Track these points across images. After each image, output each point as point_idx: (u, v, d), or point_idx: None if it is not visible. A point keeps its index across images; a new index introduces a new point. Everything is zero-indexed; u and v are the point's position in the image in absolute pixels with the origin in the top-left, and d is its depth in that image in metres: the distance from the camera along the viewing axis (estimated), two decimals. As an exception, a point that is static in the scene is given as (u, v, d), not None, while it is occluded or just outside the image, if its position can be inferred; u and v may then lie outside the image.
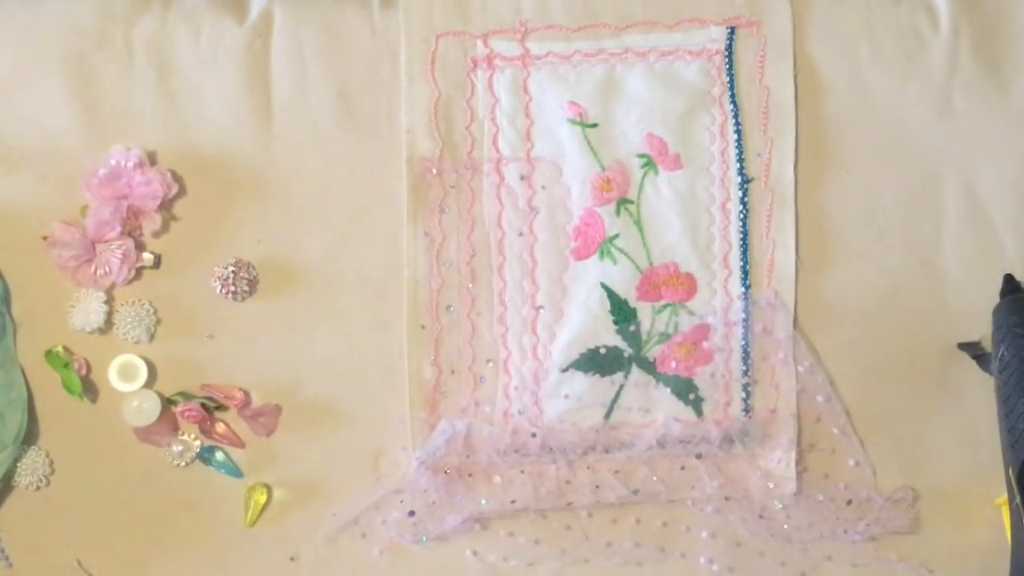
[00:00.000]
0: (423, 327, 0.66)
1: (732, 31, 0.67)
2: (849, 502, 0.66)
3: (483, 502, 0.65)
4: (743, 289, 0.66)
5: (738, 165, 0.67)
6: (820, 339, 0.67)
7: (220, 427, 0.66)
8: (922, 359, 0.67)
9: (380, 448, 0.66)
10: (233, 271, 0.66)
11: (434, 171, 0.66)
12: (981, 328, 0.66)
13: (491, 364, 0.66)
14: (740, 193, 0.67)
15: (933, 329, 0.67)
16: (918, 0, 0.67)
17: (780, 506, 0.66)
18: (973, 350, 0.66)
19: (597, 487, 0.65)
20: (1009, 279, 0.66)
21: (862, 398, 0.67)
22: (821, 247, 0.67)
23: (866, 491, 0.66)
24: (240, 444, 0.66)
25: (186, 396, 0.66)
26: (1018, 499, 0.62)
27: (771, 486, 0.66)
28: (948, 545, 0.66)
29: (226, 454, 0.66)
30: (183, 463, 0.66)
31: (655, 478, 0.66)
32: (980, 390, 0.66)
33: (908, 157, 0.67)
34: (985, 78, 0.67)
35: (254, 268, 0.66)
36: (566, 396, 0.66)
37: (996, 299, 0.66)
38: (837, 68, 0.67)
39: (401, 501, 0.65)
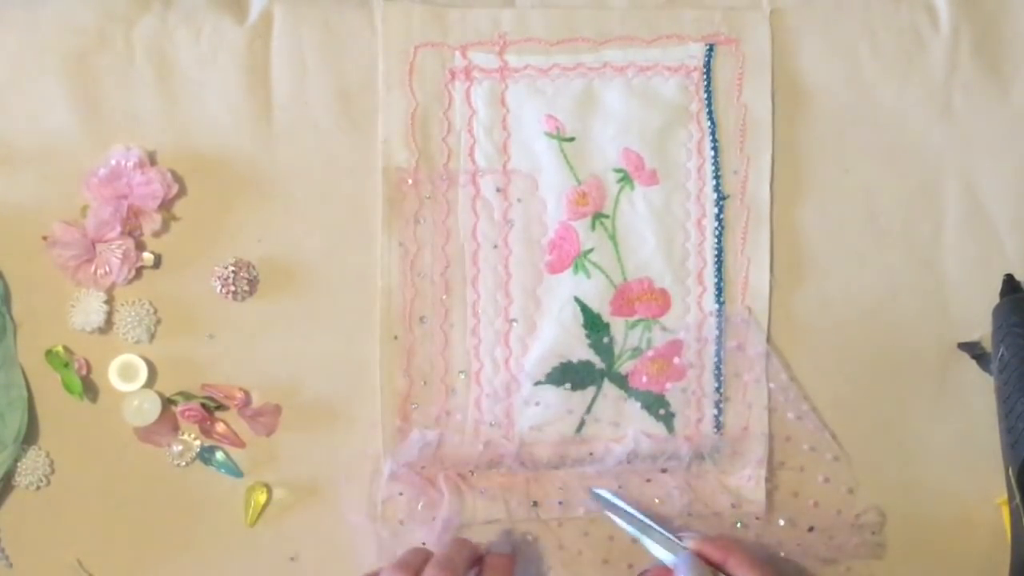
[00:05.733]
0: (396, 337, 0.66)
1: (711, 48, 0.67)
2: (811, 529, 0.66)
3: (454, 514, 0.65)
4: (717, 306, 0.66)
5: (714, 182, 0.67)
6: (817, 342, 0.67)
7: (220, 427, 0.66)
8: (922, 359, 0.67)
9: (380, 448, 0.66)
10: (233, 271, 0.66)
11: (410, 181, 0.66)
12: (981, 328, 0.66)
13: (463, 376, 0.66)
14: (716, 210, 0.67)
15: (933, 329, 0.67)
16: (918, 0, 0.67)
17: (739, 525, 0.66)
18: (973, 350, 0.66)
19: (564, 501, 0.65)
20: (1009, 279, 0.66)
21: (862, 398, 0.67)
22: (821, 245, 0.67)
23: (836, 509, 0.66)
24: (240, 444, 0.66)
25: (186, 396, 0.66)
26: (1018, 499, 0.62)
27: (732, 504, 0.65)
28: (947, 545, 0.66)
29: (226, 454, 0.66)
30: (183, 463, 0.66)
31: (620, 487, 0.66)
32: (980, 390, 0.66)
33: (908, 157, 0.67)
34: (985, 78, 0.67)
35: (254, 268, 0.66)
36: (537, 404, 0.66)
37: (996, 299, 0.66)
38: (837, 68, 0.67)
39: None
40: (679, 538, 0.61)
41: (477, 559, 0.61)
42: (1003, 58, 0.67)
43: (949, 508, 0.67)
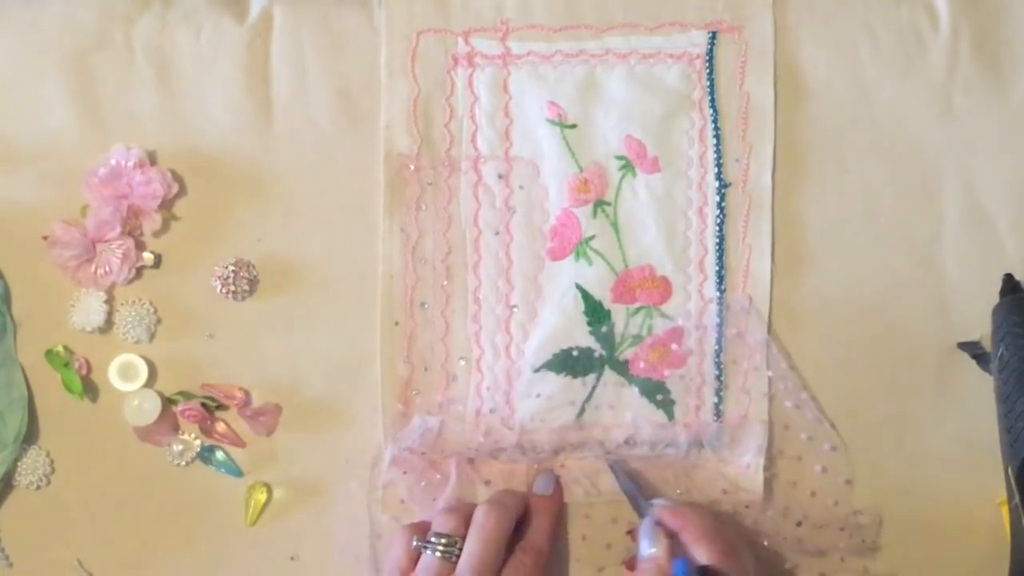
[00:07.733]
0: (397, 323, 0.66)
1: (714, 36, 0.67)
2: (799, 523, 0.65)
3: (456, 499, 0.65)
4: (718, 294, 0.66)
5: (716, 170, 0.67)
6: (816, 339, 0.66)
7: (220, 426, 0.66)
8: (922, 358, 0.67)
9: (381, 447, 0.66)
10: (233, 271, 0.66)
11: (412, 168, 0.66)
12: (981, 328, 0.66)
13: (464, 362, 0.66)
14: (717, 198, 0.67)
15: (933, 329, 0.67)
16: (918, 0, 0.67)
17: (731, 511, 0.65)
18: (973, 349, 0.66)
19: (564, 486, 0.65)
20: (1009, 278, 0.66)
21: (860, 397, 0.67)
22: (823, 236, 0.67)
23: (833, 500, 0.66)
24: (240, 443, 0.66)
25: (186, 395, 0.66)
26: (1017, 498, 0.62)
27: (724, 491, 0.65)
28: (946, 545, 0.66)
29: (226, 453, 0.66)
30: (183, 462, 0.66)
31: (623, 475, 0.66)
32: (980, 390, 0.66)
33: (908, 157, 0.67)
34: (985, 78, 0.67)
35: (254, 268, 0.66)
36: (538, 395, 0.66)
37: (996, 299, 0.66)
38: (837, 68, 0.67)
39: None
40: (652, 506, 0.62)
41: (524, 505, 0.62)
42: (1003, 58, 0.67)
43: (948, 507, 0.66)
